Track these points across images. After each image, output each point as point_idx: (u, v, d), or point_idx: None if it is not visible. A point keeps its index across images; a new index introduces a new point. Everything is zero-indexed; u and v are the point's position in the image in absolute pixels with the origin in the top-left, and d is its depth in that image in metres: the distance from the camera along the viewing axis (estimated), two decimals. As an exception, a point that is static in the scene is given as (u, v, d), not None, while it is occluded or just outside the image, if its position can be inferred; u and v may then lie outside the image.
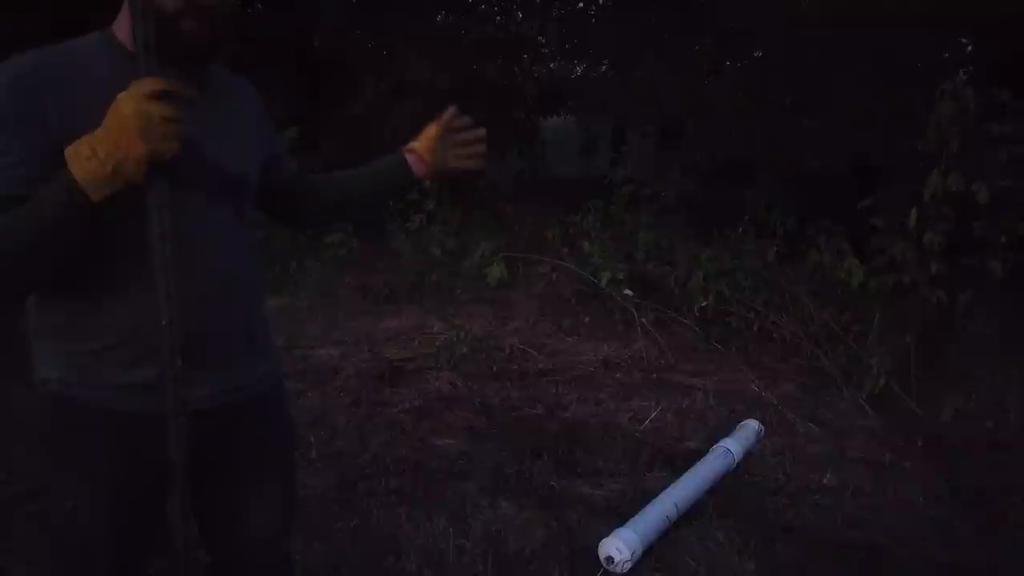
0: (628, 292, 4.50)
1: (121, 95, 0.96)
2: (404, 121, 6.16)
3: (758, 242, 4.95)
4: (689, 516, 2.60)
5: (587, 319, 4.82)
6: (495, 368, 4.07)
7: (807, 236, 4.59)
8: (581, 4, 12.34)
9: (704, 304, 4.39)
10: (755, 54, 7.09)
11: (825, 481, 2.94)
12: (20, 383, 3.02)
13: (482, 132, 1.52)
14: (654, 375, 4.03)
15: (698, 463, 2.85)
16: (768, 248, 4.73)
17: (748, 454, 3.04)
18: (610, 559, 2.30)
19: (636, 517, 2.44)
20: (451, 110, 1.50)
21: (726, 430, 3.21)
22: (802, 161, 5.76)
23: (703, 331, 4.38)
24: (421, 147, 1.50)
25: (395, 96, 6.45)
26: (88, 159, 0.96)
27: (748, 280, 4.50)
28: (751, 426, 3.17)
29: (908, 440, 3.28)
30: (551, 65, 10.06)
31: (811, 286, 4.40)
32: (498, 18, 11.01)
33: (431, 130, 1.50)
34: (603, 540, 2.34)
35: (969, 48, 6.57)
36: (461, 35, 7.02)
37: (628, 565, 2.29)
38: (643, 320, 4.45)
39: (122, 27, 1.14)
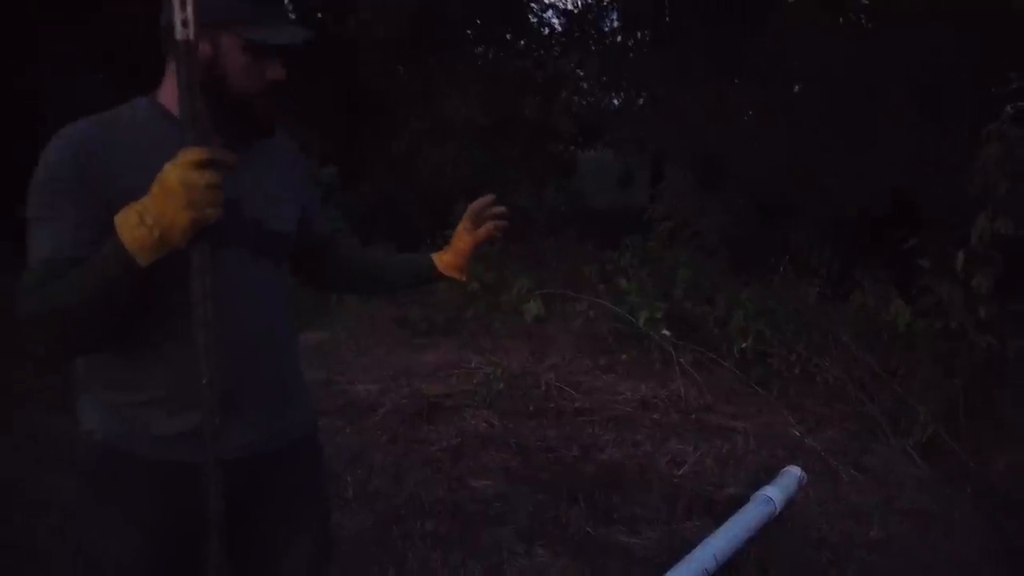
0: (666, 332, 4.46)
1: (167, 165, 1.00)
2: (443, 158, 6.25)
3: (799, 282, 4.88)
4: (728, 567, 2.54)
5: (624, 357, 4.79)
6: (532, 407, 4.06)
7: (850, 276, 4.51)
8: (619, 38, 12.48)
9: (744, 345, 4.33)
10: (794, 90, 7.06)
11: (871, 533, 2.86)
12: (60, 413, 3.11)
13: (504, 210, 1.59)
14: (693, 417, 3.98)
15: (738, 511, 2.79)
16: (810, 288, 4.66)
17: (790, 502, 2.97)
18: (648, 613, 2.26)
19: (673, 569, 2.39)
20: (488, 198, 1.56)
21: (767, 477, 3.15)
22: (844, 200, 5.68)
23: (743, 373, 4.31)
24: (452, 253, 1.57)
25: (434, 133, 6.55)
26: (136, 226, 1.00)
27: (789, 321, 4.42)
28: (793, 473, 3.10)
29: (958, 491, 3.18)
30: (588, 100, 10.13)
31: (855, 328, 4.31)
32: (537, 53, 11.17)
33: (460, 229, 1.57)
34: (641, 593, 2.30)
35: (1015, 84, 6.46)
36: (500, 72, 7.12)
37: (666, 619, 2.25)
38: (681, 360, 4.40)
39: (166, 93, 1.20)
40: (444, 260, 1.57)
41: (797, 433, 3.72)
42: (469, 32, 9.81)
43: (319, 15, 9.65)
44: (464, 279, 1.60)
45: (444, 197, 6.22)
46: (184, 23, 0.99)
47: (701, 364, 4.46)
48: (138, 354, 1.19)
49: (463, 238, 1.56)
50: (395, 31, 6.22)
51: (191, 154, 1.00)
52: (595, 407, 4.10)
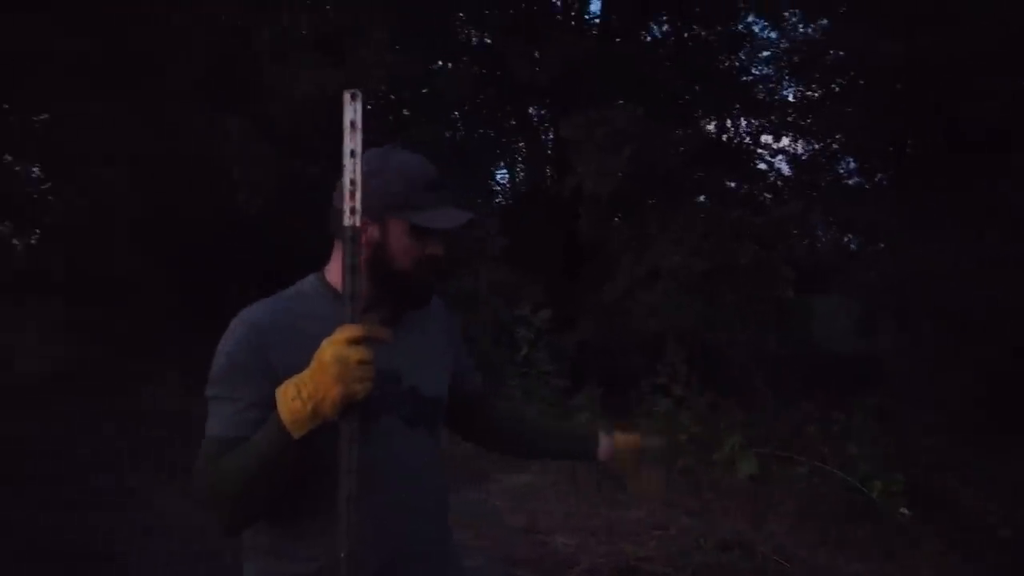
0: (905, 511, 3.86)
1: (324, 341, 1.07)
2: (656, 302, 6.22)
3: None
4: None
5: (857, 534, 4.19)
6: (741, 584, 3.65)
7: None
8: (855, 180, 11.90)
9: (1007, 534, 3.61)
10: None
11: None
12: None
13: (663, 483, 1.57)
14: (942, 617, 3.33)
15: None
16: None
17: None
18: None
19: None
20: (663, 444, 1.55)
21: None
22: None
23: (1009, 567, 3.57)
24: (621, 442, 1.52)
25: (648, 278, 6.58)
26: (293, 399, 1.07)
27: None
28: None
29: None
30: (818, 244, 9.66)
31: None
32: (762, 197, 10.94)
33: (635, 442, 1.53)
34: None
35: None
36: (720, 217, 7.05)
37: None
38: (927, 545, 3.75)
39: (333, 271, 1.29)
40: (614, 454, 1.52)
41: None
42: (691, 180, 9.95)
43: (548, 171, 10.42)
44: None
45: (656, 341, 6.13)
46: (352, 211, 1.06)
47: (953, 550, 3.77)
48: (293, 525, 1.23)
49: (640, 477, 1.53)
50: (610, 186, 6.50)
51: (347, 331, 1.06)
52: (819, 590, 3.60)
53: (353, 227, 1.07)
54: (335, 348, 1.05)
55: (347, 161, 1.07)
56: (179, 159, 7.44)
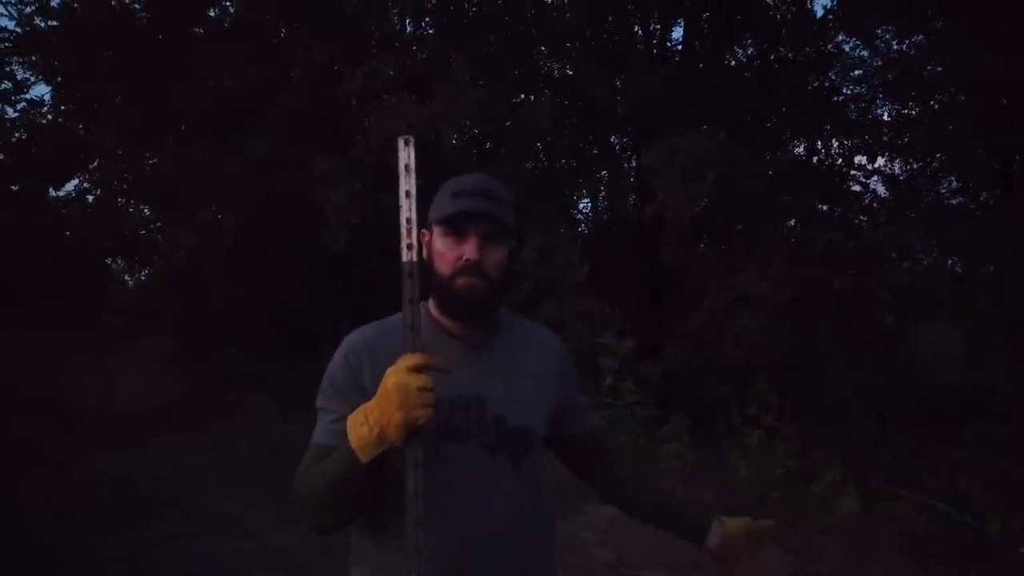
0: (1025, 551, 3.58)
1: (388, 369, 1.11)
2: (743, 331, 6.05)
3: None
4: None
5: (970, 575, 3.91)
6: (845, 629, 3.45)
7: None
8: (958, 199, 11.27)
9: None
10: None
11: None
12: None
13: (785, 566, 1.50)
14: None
15: None
16: None
17: None
18: None
19: None
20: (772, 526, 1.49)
21: None
22: None
23: None
24: (731, 527, 1.47)
25: (735, 306, 6.41)
26: (361, 425, 1.11)
27: None
28: None
29: None
30: (919, 268, 9.19)
31: None
32: (857, 219, 10.51)
33: (745, 525, 1.48)
34: None
35: None
36: (809, 243, 6.83)
37: None
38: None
39: (434, 302, 1.33)
40: (722, 541, 1.45)
41: None
42: (780, 204, 9.67)
43: (631, 199, 10.37)
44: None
45: (744, 370, 5.95)
46: (409, 247, 1.09)
47: (1082, 597, 3.46)
48: (384, 537, 1.26)
49: (758, 562, 1.48)
50: (692, 212, 6.41)
51: (407, 360, 1.10)
52: (933, 639, 3.35)
53: (410, 262, 1.10)
54: (397, 376, 1.09)
55: (403, 202, 1.11)
56: (274, 196, 7.82)
